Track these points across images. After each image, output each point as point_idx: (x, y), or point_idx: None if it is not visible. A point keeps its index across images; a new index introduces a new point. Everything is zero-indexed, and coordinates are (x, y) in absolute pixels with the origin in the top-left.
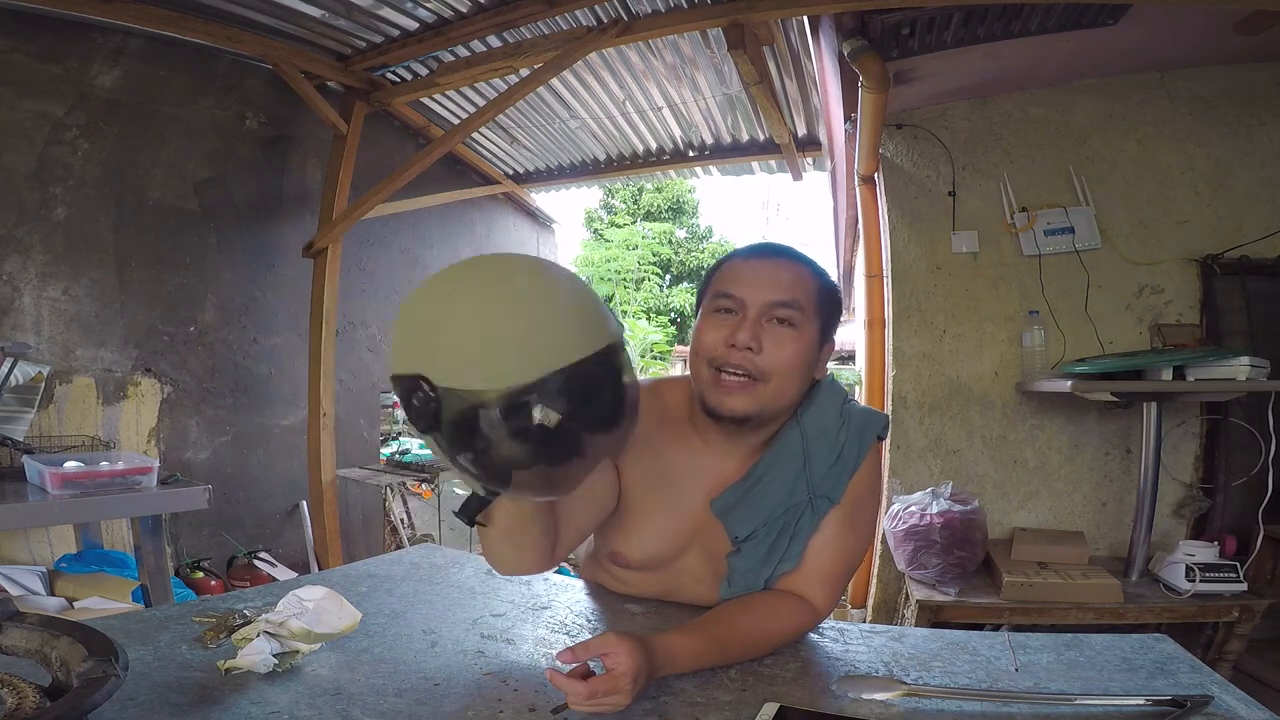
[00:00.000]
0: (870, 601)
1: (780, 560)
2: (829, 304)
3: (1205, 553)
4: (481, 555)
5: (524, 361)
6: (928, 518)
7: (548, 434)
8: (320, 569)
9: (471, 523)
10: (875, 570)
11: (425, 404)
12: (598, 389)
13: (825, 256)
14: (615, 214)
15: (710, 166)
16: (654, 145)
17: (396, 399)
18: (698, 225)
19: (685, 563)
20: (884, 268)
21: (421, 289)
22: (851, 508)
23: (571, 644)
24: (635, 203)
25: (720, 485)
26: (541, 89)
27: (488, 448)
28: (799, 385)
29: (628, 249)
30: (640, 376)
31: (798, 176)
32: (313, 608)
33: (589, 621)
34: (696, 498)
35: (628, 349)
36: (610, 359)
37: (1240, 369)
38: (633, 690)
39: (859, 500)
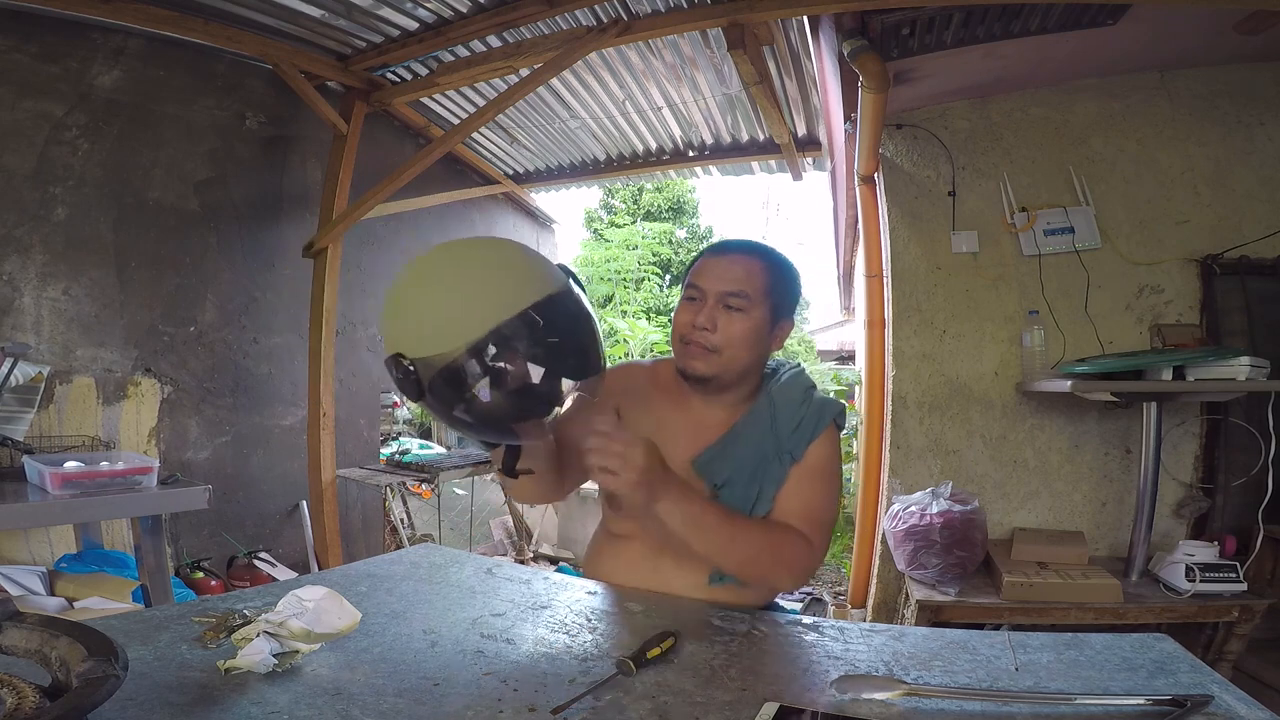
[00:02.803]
0: (870, 601)
1: (754, 508)
2: (780, 289)
3: (1205, 553)
4: (481, 554)
5: (464, 327)
6: (928, 518)
7: (510, 377)
8: (320, 569)
9: (513, 474)
10: (875, 570)
11: (407, 375)
12: (541, 333)
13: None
14: (615, 214)
15: (710, 166)
16: (654, 145)
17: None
18: (698, 225)
19: None
20: (884, 268)
21: (389, 287)
22: (812, 467)
23: (571, 644)
24: (635, 203)
25: (701, 447)
26: (541, 89)
27: (469, 399)
28: (750, 353)
29: (628, 249)
30: (648, 359)
31: (798, 176)
32: (313, 608)
33: (589, 621)
34: (682, 452)
35: (573, 296)
36: (548, 309)
37: (1240, 369)
38: (641, 469)
39: (818, 463)
